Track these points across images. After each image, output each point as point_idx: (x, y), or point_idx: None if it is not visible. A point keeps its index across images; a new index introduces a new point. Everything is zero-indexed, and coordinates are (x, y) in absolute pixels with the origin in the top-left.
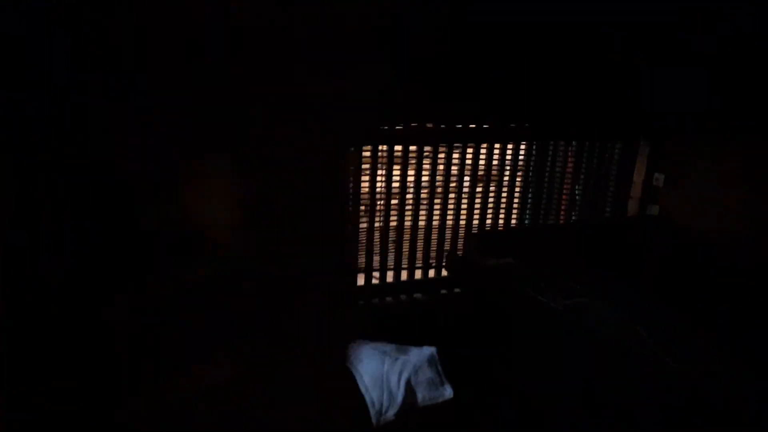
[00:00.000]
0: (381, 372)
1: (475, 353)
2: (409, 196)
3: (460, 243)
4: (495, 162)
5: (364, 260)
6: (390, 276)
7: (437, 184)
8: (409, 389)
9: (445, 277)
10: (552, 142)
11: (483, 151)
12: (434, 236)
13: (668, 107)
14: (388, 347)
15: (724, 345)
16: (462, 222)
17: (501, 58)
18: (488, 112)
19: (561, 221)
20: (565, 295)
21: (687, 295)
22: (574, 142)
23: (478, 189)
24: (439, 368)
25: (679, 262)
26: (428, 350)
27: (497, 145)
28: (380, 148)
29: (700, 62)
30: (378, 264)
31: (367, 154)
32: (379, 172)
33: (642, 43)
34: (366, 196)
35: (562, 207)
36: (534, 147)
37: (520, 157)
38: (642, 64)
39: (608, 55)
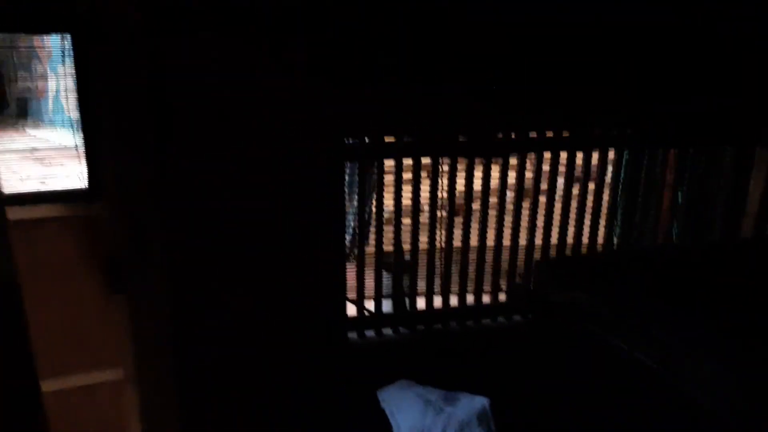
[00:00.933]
0: (422, 426)
1: (537, 405)
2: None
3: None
4: (577, 174)
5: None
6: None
7: (507, 199)
8: None
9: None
10: (647, 149)
11: (563, 160)
12: (489, 258)
13: None
14: (434, 394)
15: None
16: (538, 242)
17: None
18: (567, 118)
19: (657, 244)
20: (649, 344)
21: None
22: (674, 149)
23: (557, 205)
24: (492, 425)
25: None
26: (480, 402)
27: (579, 154)
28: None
29: None
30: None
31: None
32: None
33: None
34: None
35: (659, 228)
36: (625, 155)
37: (609, 168)
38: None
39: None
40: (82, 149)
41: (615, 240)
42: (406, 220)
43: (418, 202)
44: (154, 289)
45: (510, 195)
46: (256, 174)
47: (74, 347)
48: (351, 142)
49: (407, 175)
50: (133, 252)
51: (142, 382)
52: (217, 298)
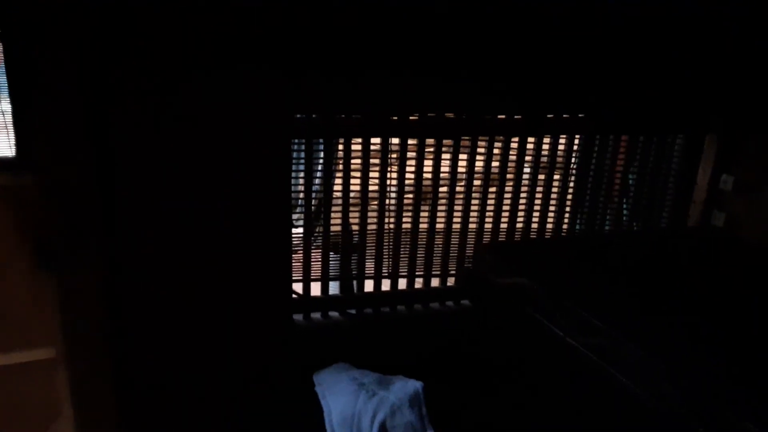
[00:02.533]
0: (353, 409)
1: (474, 387)
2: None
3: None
4: (528, 159)
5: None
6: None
7: (458, 182)
8: None
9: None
10: (598, 136)
11: (513, 145)
12: (439, 241)
13: (745, 94)
14: (369, 377)
15: None
16: (488, 226)
17: (531, 38)
18: (519, 101)
19: (607, 230)
20: (584, 331)
21: (751, 339)
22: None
23: (508, 189)
24: (424, 410)
25: (745, 291)
26: (413, 386)
27: (531, 140)
28: (391, 140)
29: None
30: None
31: (376, 147)
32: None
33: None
34: (375, 195)
35: (608, 213)
36: (577, 142)
37: (559, 154)
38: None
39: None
40: (10, 116)
41: (578, 226)
42: (356, 202)
43: (368, 183)
44: (87, 267)
45: (461, 179)
46: (199, 152)
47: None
48: (299, 117)
49: (357, 157)
50: (64, 227)
51: (75, 363)
52: (157, 278)
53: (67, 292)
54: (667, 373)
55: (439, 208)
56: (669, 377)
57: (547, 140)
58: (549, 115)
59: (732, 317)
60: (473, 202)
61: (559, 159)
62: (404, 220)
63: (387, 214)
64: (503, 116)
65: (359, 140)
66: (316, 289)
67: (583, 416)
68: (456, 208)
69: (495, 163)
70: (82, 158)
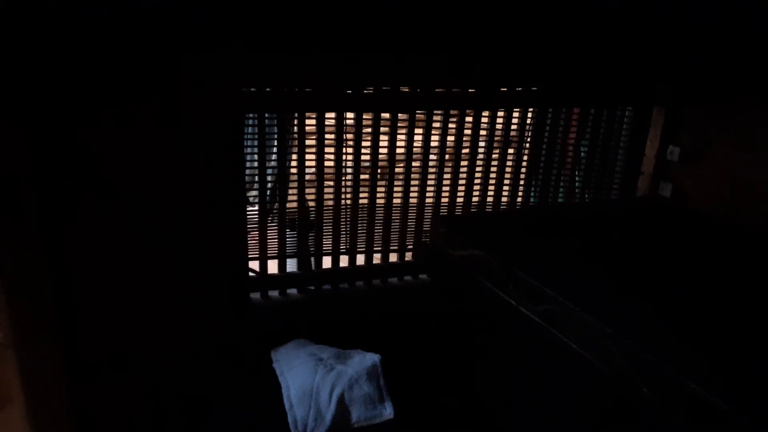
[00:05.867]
0: (311, 384)
1: (430, 360)
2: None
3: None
4: (483, 133)
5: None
6: (345, 261)
7: (414, 157)
8: (342, 407)
9: (409, 261)
10: (550, 109)
11: (468, 120)
12: (397, 216)
13: (688, 65)
14: (327, 352)
15: (733, 372)
16: (445, 201)
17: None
18: (471, 74)
19: (560, 202)
20: (535, 300)
21: (693, 303)
22: (576, 109)
23: (463, 164)
24: (381, 382)
25: (689, 257)
26: (371, 359)
27: (485, 113)
28: (346, 115)
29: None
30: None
31: (331, 122)
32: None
33: None
34: (330, 170)
35: (561, 185)
36: (529, 115)
37: (513, 128)
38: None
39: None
40: None
41: (532, 199)
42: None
43: (323, 159)
44: (29, 251)
45: (417, 154)
46: (147, 128)
47: None
48: (252, 90)
49: (312, 132)
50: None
51: (23, 348)
52: (106, 259)
53: (9, 276)
54: (614, 337)
55: (396, 183)
56: (615, 341)
57: (501, 114)
58: (502, 89)
59: (677, 283)
60: (429, 176)
61: (513, 133)
62: (361, 195)
63: (343, 190)
64: (457, 89)
65: (314, 115)
66: (273, 266)
67: (536, 380)
68: (412, 183)
69: (450, 138)
70: (15, 142)
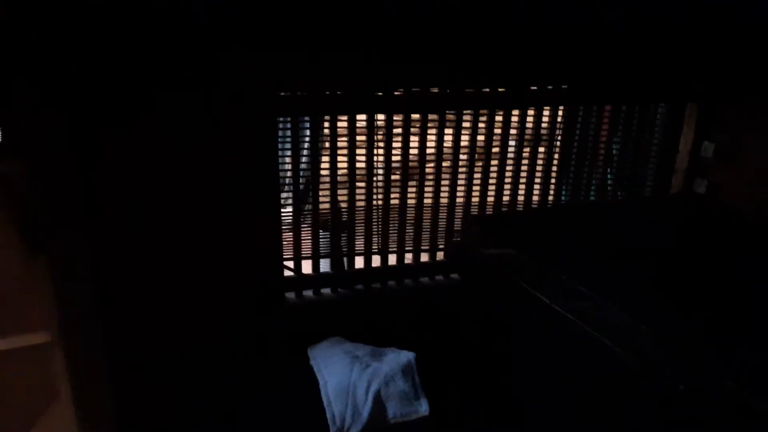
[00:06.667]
0: (348, 381)
1: (465, 358)
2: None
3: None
4: (513, 132)
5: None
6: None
7: (444, 157)
8: (378, 403)
9: (441, 260)
10: (582, 107)
11: (498, 119)
12: (428, 216)
13: (722, 61)
14: (363, 350)
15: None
16: (475, 200)
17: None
18: (503, 74)
19: (592, 200)
20: (568, 297)
21: (730, 299)
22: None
23: (494, 163)
24: (416, 379)
25: (724, 254)
26: (405, 356)
27: (515, 113)
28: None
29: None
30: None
31: (362, 124)
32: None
33: None
34: (362, 171)
35: (593, 183)
36: (560, 114)
37: (543, 126)
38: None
39: None
40: None
41: (563, 197)
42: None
43: (355, 160)
44: (76, 251)
45: (448, 153)
46: (185, 133)
47: None
48: (284, 95)
49: (344, 134)
50: (51, 211)
51: (69, 345)
52: (148, 260)
53: (58, 276)
54: (649, 334)
55: (427, 183)
56: (651, 338)
57: (531, 113)
58: (532, 87)
59: (714, 280)
60: (460, 176)
61: (544, 131)
62: (392, 196)
63: (375, 190)
64: (487, 89)
65: (345, 117)
66: (307, 267)
67: (569, 378)
68: (443, 182)
69: (480, 137)
70: (61, 143)
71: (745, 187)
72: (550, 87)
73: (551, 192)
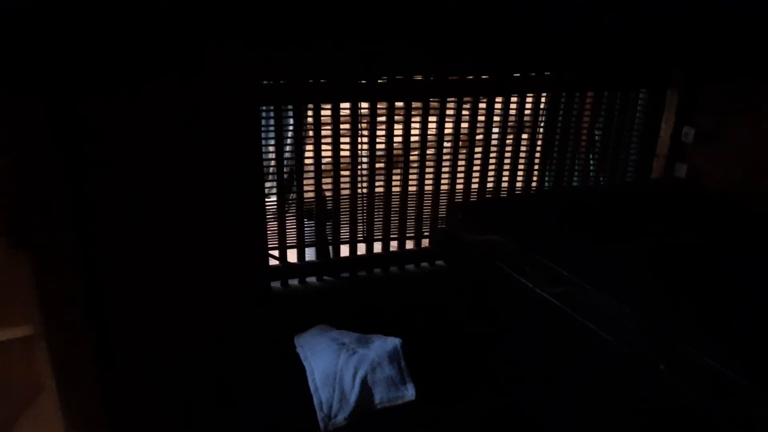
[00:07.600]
0: (335, 368)
1: (450, 343)
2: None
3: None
4: (497, 119)
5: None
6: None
7: (428, 144)
8: (365, 389)
9: (426, 248)
10: (564, 94)
11: (482, 106)
12: (412, 203)
13: (702, 45)
14: (349, 337)
15: (750, 349)
16: (460, 187)
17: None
18: (485, 61)
19: (574, 186)
20: (552, 282)
21: (710, 282)
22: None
23: (478, 150)
24: (402, 364)
25: (705, 237)
26: (392, 342)
27: (498, 99)
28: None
29: None
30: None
31: (346, 112)
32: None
33: None
34: (346, 160)
35: (576, 169)
36: (542, 100)
37: (526, 113)
38: None
39: None
40: None
41: (547, 183)
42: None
43: (339, 149)
44: (60, 244)
45: (432, 141)
46: (168, 124)
47: None
48: (267, 83)
49: (328, 123)
50: (33, 205)
51: (54, 338)
52: (132, 250)
53: (41, 269)
54: (632, 317)
55: (411, 170)
56: (634, 321)
57: (514, 100)
58: (516, 74)
59: (694, 263)
60: (444, 164)
61: (527, 118)
62: (377, 184)
63: (359, 179)
64: (470, 77)
65: (328, 106)
66: (292, 256)
67: (554, 361)
68: (428, 170)
69: (464, 125)
70: (45, 138)
71: (725, 170)
72: (533, 74)
73: (534, 178)
